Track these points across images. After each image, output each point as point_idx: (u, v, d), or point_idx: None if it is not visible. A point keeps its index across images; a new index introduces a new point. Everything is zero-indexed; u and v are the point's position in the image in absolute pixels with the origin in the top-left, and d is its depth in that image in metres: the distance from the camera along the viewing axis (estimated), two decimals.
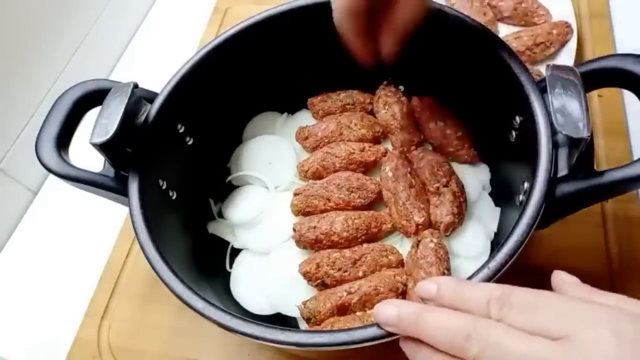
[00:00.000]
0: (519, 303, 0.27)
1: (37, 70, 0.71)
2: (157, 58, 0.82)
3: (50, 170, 0.42)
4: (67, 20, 0.75)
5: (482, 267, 0.34)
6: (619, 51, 0.66)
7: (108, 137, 0.39)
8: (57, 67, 0.74)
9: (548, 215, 0.36)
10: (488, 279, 0.33)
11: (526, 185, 0.40)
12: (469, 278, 0.34)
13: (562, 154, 0.37)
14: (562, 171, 0.37)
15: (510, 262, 0.34)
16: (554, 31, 0.64)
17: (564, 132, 0.34)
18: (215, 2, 0.86)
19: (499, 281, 0.33)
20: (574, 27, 0.65)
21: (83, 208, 0.67)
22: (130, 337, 0.56)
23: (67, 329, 0.58)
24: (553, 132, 0.38)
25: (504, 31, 0.69)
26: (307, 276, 0.48)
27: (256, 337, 0.34)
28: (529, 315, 0.26)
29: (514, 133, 0.45)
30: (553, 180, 0.36)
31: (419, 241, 0.47)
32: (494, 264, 0.34)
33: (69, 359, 0.56)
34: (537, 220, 0.35)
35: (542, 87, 0.41)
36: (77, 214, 0.68)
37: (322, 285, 0.48)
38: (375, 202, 0.52)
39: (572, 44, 0.64)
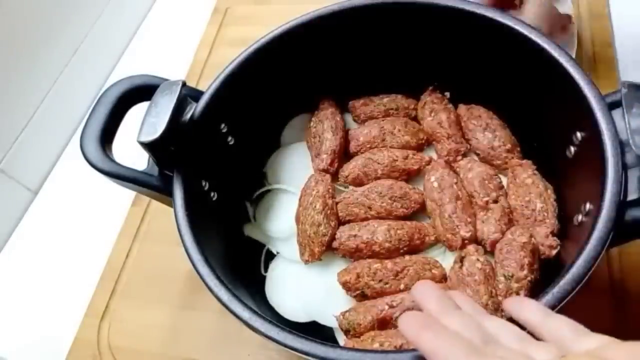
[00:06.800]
0: None
1: (37, 70, 0.69)
2: (157, 58, 0.81)
3: (94, 167, 0.41)
4: (67, 20, 0.74)
5: (546, 292, 0.32)
6: (618, 51, 0.63)
7: (157, 136, 0.38)
8: (57, 67, 0.73)
9: (615, 240, 0.34)
10: (552, 307, 0.32)
11: (588, 206, 0.38)
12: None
13: (633, 176, 0.35)
14: (632, 194, 0.35)
15: (575, 291, 0.32)
16: None
17: None
18: (215, 2, 0.85)
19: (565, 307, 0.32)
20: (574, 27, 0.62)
21: (83, 208, 0.67)
22: (130, 337, 0.55)
23: (67, 329, 0.57)
24: (621, 152, 0.36)
25: None
26: (347, 286, 0.46)
27: (305, 353, 0.32)
28: None
29: (572, 149, 0.43)
30: (622, 204, 0.34)
31: (463, 257, 0.45)
32: (557, 292, 0.32)
33: (69, 359, 0.55)
34: (605, 247, 0.33)
35: (609, 103, 0.39)
36: (77, 214, 0.67)
37: (362, 296, 0.46)
38: (417, 212, 0.50)
39: (572, 44, 0.62)
